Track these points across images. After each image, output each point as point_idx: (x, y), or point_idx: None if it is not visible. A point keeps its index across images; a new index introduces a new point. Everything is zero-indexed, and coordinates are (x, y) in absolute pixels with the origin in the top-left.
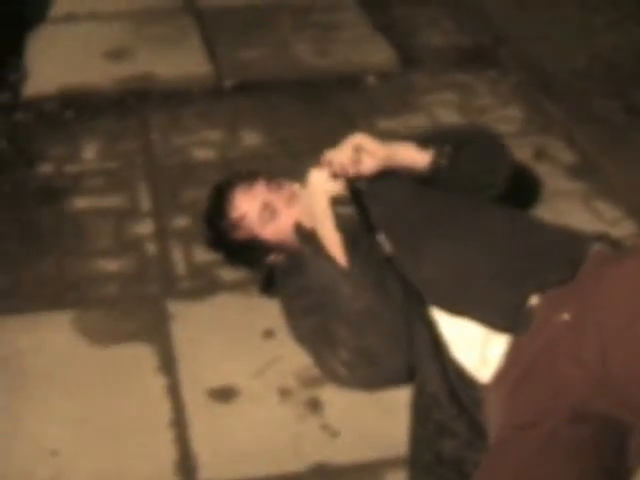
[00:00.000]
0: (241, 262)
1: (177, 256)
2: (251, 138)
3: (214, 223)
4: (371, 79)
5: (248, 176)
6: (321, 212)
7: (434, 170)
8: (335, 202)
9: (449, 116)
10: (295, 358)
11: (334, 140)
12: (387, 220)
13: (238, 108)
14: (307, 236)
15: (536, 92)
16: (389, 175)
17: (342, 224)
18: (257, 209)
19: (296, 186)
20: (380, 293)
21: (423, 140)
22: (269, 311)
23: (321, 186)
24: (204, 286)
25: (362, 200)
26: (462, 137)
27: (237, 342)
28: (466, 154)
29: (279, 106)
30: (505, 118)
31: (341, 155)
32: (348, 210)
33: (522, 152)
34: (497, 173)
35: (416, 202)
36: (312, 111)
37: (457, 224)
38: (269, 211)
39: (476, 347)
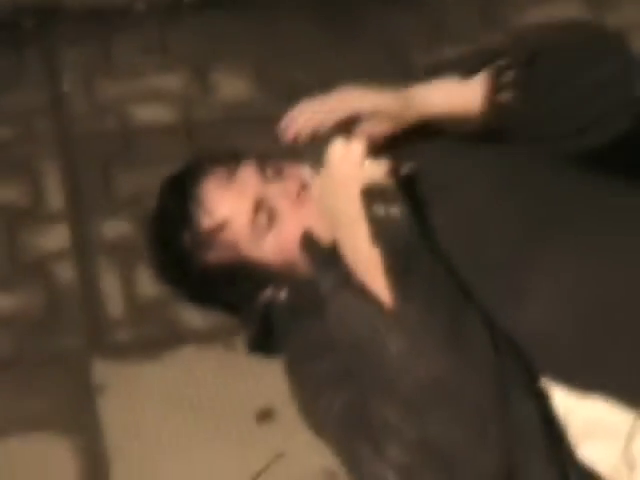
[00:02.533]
0: (218, 303)
1: (109, 286)
2: (231, 85)
3: (171, 239)
4: None
5: (228, 156)
6: (351, 213)
7: (493, 112)
8: (375, 196)
9: None
10: (311, 456)
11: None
12: (459, 225)
13: (209, 34)
14: (326, 256)
15: None
16: (437, 142)
17: (387, 234)
18: (246, 211)
19: (308, 170)
20: (454, 350)
21: (472, 63)
22: (265, 379)
23: (351, 169)
24: (154, 337)
25: (415, 193)
26: (541, 40)
27: (212, 430)
28: (546, 68)
29: (279, 30)
30: None
31: (304, 128)
32: (396, 210)
33: None
34: (612, 96)
35: (500, 184)
36: (336, 39)
37: (584, 216)
38: (265, 213)
39: (617, 441)
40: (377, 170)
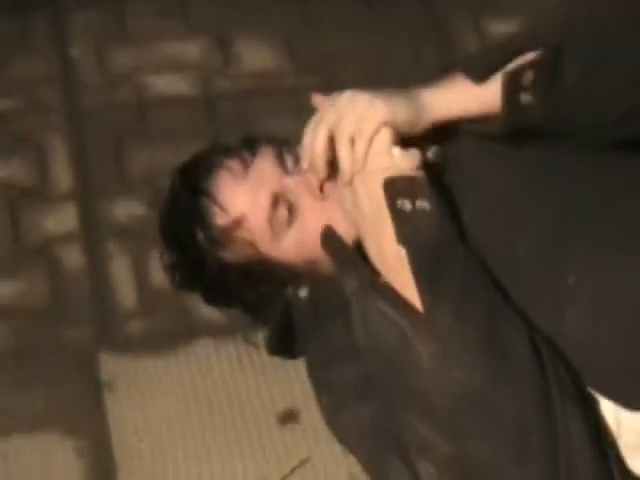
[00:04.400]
0: (235, 303)
1: (119, 273)
2: (256, 55)
3: (184, 238)
4: None
5: (243, 145)
6: (375, 209)
7: (513, 114)
8: (400, 189)
9: None
10: (337, 462)
11: (415, 67)
12: (491, 221)
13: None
14: (349, 254)
15: None
16: (459, 136)
17: (415, 231)
18: (263, 206)
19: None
20: (492, 358)
21: (490, 60)
22: (289, 377)
23: (377, 159)
24: (168, 329)
25: (440, 184)
26: (561, 30)
27: (230, 432)
28: (572, 62)
29: None
30: None
31: (315, 150)
32: (426, 204)
33: None
34: None
35: (532, 179)
36: (371, 8)
37: (625, 211)
38: (285, 208)
39: None
40: (407, 160)
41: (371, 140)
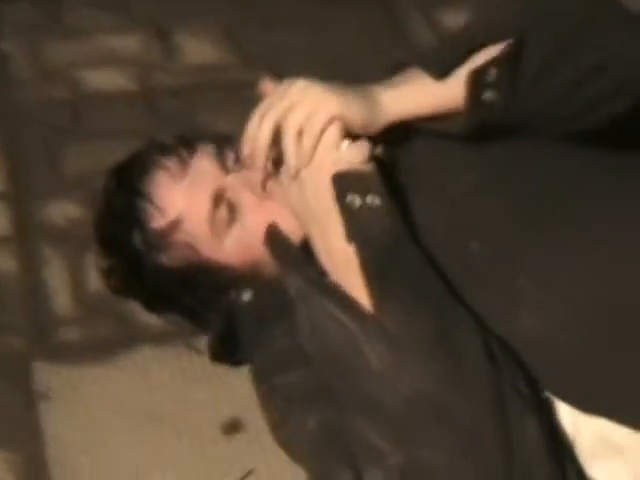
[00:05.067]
0: (175, 309)
1: (54, 278)
2: (197, 48)
3: (119, 241)
4: None
5: (180, 142)
6: (322, 205)
7: (476, 113)
8: (349, 184)
9: None
10: (284, 472)
11: (367, 61)
12: (442, 220)
13: None
14: (295, 254)
15: None
16: (413, 133)
17: (364, 227)
18: (202, 206)
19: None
20: (444, 359)
21: (450, 55)
22: (233, 385)
23: (324, 153)
24: (106, 336)
25: (390, 182)
26: (526, 20)
27: (173, 443)
28: (535, 57)
29: None
30: None
31: (259, 140)
32: (376, 200)
33: None
34: (611, 75)
35: (492, 179)
36: (320, 2)
37: (582, 206)
38: (225, 208)
39: (629, 463)
40: (355, 154)
41: (321, 135)
